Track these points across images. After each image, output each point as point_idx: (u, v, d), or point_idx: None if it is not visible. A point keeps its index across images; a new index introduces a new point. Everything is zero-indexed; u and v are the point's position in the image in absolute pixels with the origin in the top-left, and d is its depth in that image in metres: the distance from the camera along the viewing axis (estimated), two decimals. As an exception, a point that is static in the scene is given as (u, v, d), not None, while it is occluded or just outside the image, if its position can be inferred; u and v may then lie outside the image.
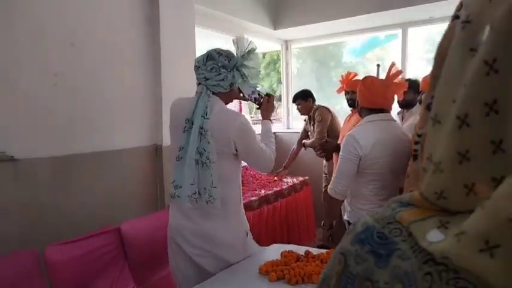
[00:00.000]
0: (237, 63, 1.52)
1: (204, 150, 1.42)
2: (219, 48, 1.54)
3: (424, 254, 0.29)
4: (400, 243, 0.31)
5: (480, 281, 0.25)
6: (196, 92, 1.53)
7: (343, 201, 1.98)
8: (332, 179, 1.89)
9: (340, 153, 1.86)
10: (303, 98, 3.46)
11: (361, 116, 1.96)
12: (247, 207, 2.79)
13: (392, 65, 1.88)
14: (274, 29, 4.05)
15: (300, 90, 3.55)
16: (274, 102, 1.83)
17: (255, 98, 1.73)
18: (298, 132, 3.78)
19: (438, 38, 0.36)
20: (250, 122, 1.61)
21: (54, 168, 2.10)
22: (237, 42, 1.55)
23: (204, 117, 1.43)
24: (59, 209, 2.07)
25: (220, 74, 1.48)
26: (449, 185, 0.29)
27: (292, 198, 3.42)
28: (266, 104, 1.78)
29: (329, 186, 1.89)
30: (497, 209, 0.25)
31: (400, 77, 1.87)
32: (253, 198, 2.91)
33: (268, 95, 1.79)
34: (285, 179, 3.60)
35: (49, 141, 2.09)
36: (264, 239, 2.94)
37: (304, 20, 3.89)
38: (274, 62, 7.86)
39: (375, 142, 1.80)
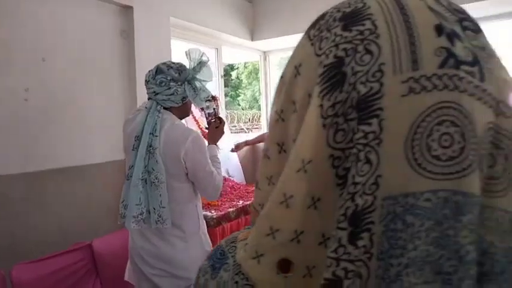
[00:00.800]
0: (188, 76, 1.47)
1: (153, 170, 1.36)
2: (169, 61, 1.50)
3: (238, 265, 0.33)
4: (229, 258, 0.35)
5: (256, 285, 0.30)
6: (146, 108, 1.46)
7: None
8: None
9: None
10: None
11: None
12: (225, 218, 2.80)
13: None
14: (252, 40, 4.10)
15: None
16: (225, 127, 1.77)
17: (208, 114, 1.72)
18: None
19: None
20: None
21: (25, 184, 2.06)
22: (189, 54, 1.51)
23: (152, 134, 1.38)
24: (29, 227, 2.03)
25: (170, 88, 1.43)
26: (265, 200, 0.32)
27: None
28: (214, 128, 1.72)
29: None
30: (259, 225, 0.31)
31: None
32: (231, 209, 2.92)
33: (219, 118, 1.74)
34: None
35: (20, 157, 2.06)
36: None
37: (280, 32, 3.95)
38: (256, 71, 7.89)
39: None
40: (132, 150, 1.42)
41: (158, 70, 1.46)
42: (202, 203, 3.02)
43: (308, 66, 0.32)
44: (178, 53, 4.03)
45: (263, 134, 3.74)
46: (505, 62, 0.31)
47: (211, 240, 2.77)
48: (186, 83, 1.47)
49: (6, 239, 1.94)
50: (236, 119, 6.98)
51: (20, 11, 2.08)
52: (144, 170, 1.37)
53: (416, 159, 0.26)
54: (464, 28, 0.29)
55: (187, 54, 1.53)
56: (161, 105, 1.45)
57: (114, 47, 2.59)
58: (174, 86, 1.44)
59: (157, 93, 1.44)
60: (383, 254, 0.26)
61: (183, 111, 1.54)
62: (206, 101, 1.71)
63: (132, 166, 1.40)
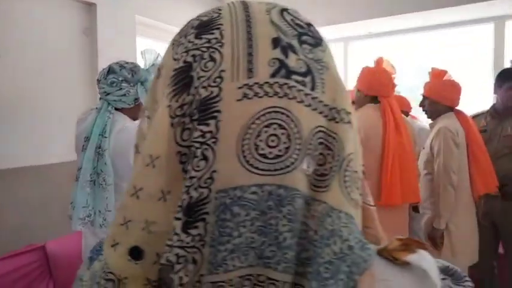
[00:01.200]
0: (141, 77, 1.45)
1: (101, 171, 1.34)
2: (123, 61, 1.48)
3: None
4: None
5: (114, 272, 0.32)
6: (96, 108, 1.44)
7: None
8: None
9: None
10: None
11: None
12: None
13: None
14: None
15: None
16: None
17: None
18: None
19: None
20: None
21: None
22: (144, 54, 1.50)
23: (102, 135, 1.36)
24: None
25: (121, 88, 1.41)
26: None
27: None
28: None
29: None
30: (116, 215, 0.33)
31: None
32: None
33: None
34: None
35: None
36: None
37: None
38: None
39: None
40: (82, 151, 1.40)
41: (110, 70, 1.45)
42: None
43: (166, 68, 0.34)
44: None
45: None
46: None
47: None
48: (139, 84, 1.46)
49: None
50: None
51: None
52: (93, 172, 1.36)
53: (245, 156, 0.29)
54: (302, 42, 0.33)
55: (143, 54, 1.53)
56: (112, 106, 1.43)
57: (76, 45, 2.55)
58: (126, 87, 1.43)
59: (108, 94, 1.43)
60: (214, 241, 0.29)
61: (136, 113, 1.51)
62: None
63: (80, 167, 1.38)
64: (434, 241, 1.99)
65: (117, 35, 2.80)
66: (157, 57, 1.52)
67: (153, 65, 1.49)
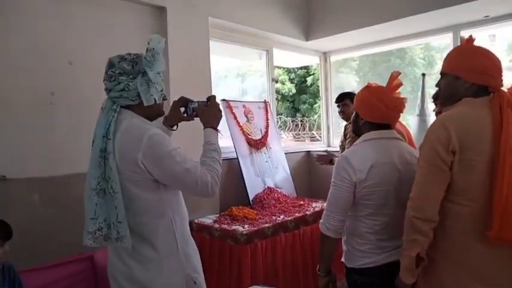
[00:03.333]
0: (141, 67, 1.22)
1: (109, 178, 1.16)
2: (127, 53, 1.26)
3: None
4: None
5: None
6: (101, 108, 1.26)
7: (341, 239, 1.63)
8: (324, 211, 1.56)
9: (332, 179, 1.54)
10: (352, 99, 2.62)
11: (358, 133, 1.61)
12: (259, 235, 2.51)
13: (395, 75, 1.53)
14: (306, 40, 3.78)
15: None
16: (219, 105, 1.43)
17: (193, 109, 1.44)
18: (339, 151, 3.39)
19: None
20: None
21: (46, 188, 2.06)
22: (149, 42, 1.24)
23: (106, 137, 1.17)
24: (47, 230, 2.00)
25: (119, 83, 1.21)
26: None
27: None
28: (203, 108, 1.41)
29: (320, 221, 1.56)
30: None
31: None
32: (267, 225, 2.63)
33: (208, 98, 1.43)
34: (314, 203, 3.25)
35: (42, 160, 2.06)
36: (282, 269, 2.64)
37: (339, 29, 3.55)
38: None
39: (372, 164, 1.44)
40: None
41: (109, 63, 1.25)
42: (238, 215, 2.83)
43: None
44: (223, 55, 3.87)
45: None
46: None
47: (240, 260, 2.52)
48: (140, 75, 1.22)
49: (23, 241, 1.92)
50: (315, 126, 6.53)
51: (49, 12, 2.10)
52: (101, 178, 1.18)
53: None
54: None
55: (148, 42, 1.26)
56: (117, 104, 1.24)
57: (145, 50, 2.51)
58: (125, 80, 1.21)
59: (110, 90, 1.24)
60: None
61: (149, 110, 1.28)
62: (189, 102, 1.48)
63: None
64: None
65: (189, 38, 2.72)
66: (159, 42, 1.26)
67: (151, 51, 1.23)
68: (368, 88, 1.59)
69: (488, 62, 1.27)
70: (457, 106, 1.27)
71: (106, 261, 1.35)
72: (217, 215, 2.88)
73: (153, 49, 1.23)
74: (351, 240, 1.55)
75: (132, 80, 1.22)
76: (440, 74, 1.38)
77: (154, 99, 1.25)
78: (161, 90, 1.29)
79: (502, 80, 1.27)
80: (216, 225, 2.63)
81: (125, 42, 2.40)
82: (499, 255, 1.19)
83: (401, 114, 1.57)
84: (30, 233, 1.92)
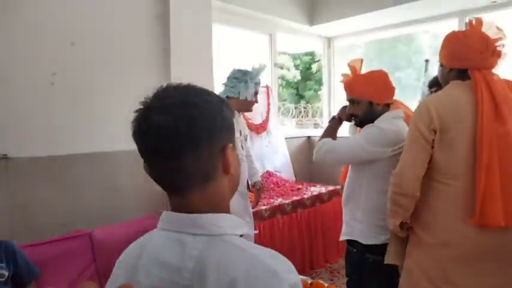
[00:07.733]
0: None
1: None
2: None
3: None
4: None
5: None
6: None
7: None
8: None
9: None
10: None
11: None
12: (256, 217, 2.57)
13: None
14: (310, 25, 3.75)
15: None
16: None
17: None
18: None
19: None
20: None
21: (47, 167, 2.11)
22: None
23: None
24: (47, 208, 2.06)
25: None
26: None
27: (318, 209, 3.10)
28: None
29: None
30: None
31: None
32: (264, 207, 2.68)
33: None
34: (312, 187, 3.28)
35: (43, 140, 2.11)
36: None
37: (343, 13, 3.53)
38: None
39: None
40: None
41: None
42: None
43: None
44: (225, 39, 3.85)
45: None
46: None
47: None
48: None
49: (24, 219, 1.98)
50: (318, 113, 6.46)
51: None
52: None
53: None
54: None
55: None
56: None
57: (148, 33, 2.53)
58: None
59: None
60: None
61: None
62: None
63: None
64: None
65: (191, 22, 2.71)
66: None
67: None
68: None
69: (460, 46, 1.31)
70: (444, 89, 1.31)
71: (104, 238, 1.41)
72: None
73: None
74: (370, 217, 1.56)
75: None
76: None
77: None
78: None
79: (486, 60, 1.28)
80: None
81: (127, 24, 2.42)
82: (482, 235, 1.22)
83: None
84: (30, 211, 1.99)
